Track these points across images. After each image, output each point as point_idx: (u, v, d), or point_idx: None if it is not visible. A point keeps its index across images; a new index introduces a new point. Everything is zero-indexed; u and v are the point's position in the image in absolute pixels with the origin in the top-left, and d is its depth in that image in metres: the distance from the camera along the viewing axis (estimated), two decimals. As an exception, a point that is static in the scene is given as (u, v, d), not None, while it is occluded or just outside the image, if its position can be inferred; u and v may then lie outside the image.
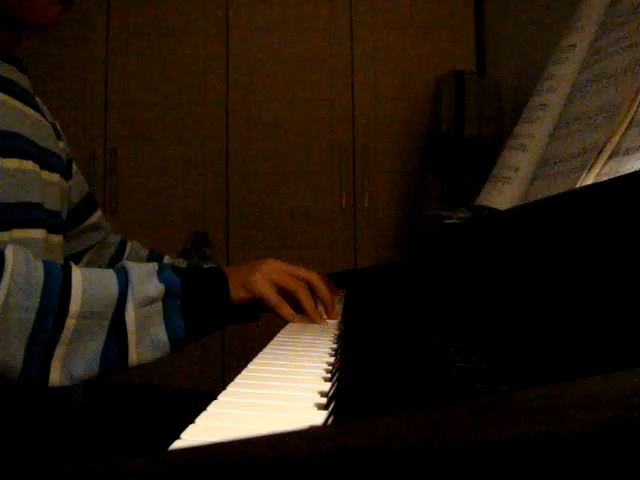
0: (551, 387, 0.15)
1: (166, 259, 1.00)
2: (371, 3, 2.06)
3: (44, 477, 0.12)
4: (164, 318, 0.62)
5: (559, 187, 0.65)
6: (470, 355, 0.48)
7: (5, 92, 0.70)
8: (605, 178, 0.56)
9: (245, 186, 2.04)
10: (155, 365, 0.63)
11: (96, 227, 0.96)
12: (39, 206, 0.72)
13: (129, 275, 0.62)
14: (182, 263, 0.98)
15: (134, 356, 0.61)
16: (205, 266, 0.99)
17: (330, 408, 0.32)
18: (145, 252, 1.00)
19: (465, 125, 1.59)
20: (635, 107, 0.57)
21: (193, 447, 0.13)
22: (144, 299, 0.61)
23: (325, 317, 0.73)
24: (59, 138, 0.86)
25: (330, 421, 0.30)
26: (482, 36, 2.05)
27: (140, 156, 2.05)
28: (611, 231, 0.39)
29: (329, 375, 0.41)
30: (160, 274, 0.63)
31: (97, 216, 0.96)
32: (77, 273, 0.59)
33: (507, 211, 0.78)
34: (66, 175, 0.85)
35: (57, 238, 0.78)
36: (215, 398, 0.33)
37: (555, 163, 0.70)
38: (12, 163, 0.67)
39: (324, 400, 0.34)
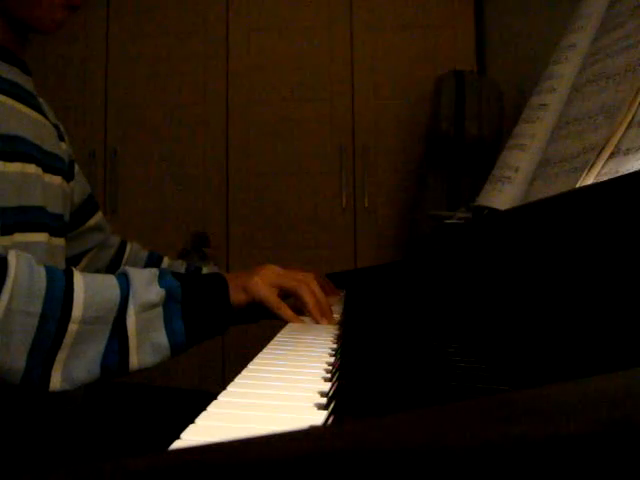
0: (551, 387, 0.15)
1: (165, 260, 1.00)
2: (371, 3, 2.06)
3: (44, 477, 0.12)
4: (165, 323, 0.63)
5: (559, 187, 0.65)
6: (470, 355, 0.48)
7: (9, 95, 0.70)
8: (605, 178, 0.56)
9: (245, 186, 2.04)
10: (155, 366, 0.64)
11: (97, 228, 0.96)
12: (42, 209, 0.72)
13: (130, 280, 0.62)
14: (182, 265, 0.98)
15: (135, 360, 0.61)
16: (205, 266, 0.99)
17: (330, 408, 0.32)
18: (145, 253, 1.00)
19: (465, 125, 1.59)
20: (635, 107, 0.57)
21: (193, 447, 0.13)
22: (145, 304, 0.61)
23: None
24: (62, 139, 0.86)
25: (330, 421, 0.30)
26: (482, 36, 2.05)
27: (140, 156, 2.05)
28: (611, 231, 0.39)
29: (329, 375, 0.41)
30: (161, 279, 0.64)
31: (98, 217, 0.96)
32: (79, 278, 0.60)
33: (507, 211, 0.78)
34: (68, 177, 0.85)
35: (59, 241, 0.78)
36: (215, 398, 0.33)
37: (555, 163, 0.70)
38: (15, 167, 0.68)
39: (324, 400, 0.34)
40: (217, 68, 2.07)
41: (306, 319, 0.72)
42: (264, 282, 0.69)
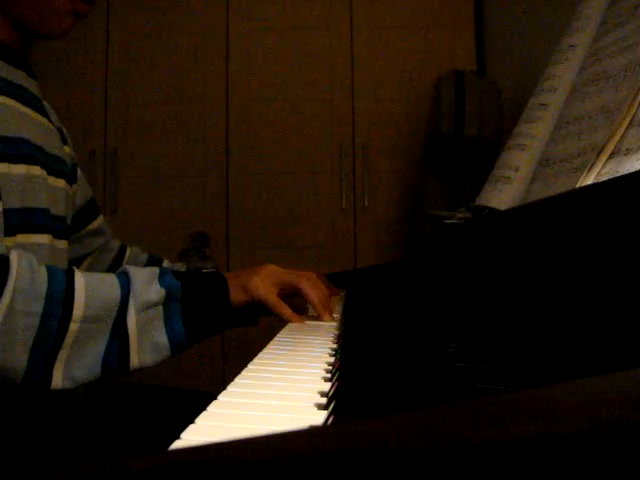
0: (551, 387, 0.15)
1: (165, 263, 1.00)
2: (371, 3, 2.06)
3: (44, 477, 0.12)
4: (165, 322, 0.63)
5: (559, 187, 0.65)
6: (470, 355, 0.48)
7: (14, 98, 0.71)
8: (605, 178, 0.56)
9: (245, 186, 2.04)
10: (155, 365, 0.64)
11: (98, 232, 0.96)
12: (45, 211, 0.73)
13: (131, 280, 0.63)
14: (181, 267, 0.98)
15: (135, 359, 0.62)
16: (205, 267, 0.99)
17: (330, 408, 0.32)
18: (144, 256, 1.01)
19: (465, 125, 1.59)
20: (635, 107, 0.57)
21: (193, 447, 0.13)
22: (145, 303, 0.62)
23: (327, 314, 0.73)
24: (65, 143, 0.87)
25: (330, 421, 0.30)
26: (482, 36, 2.05)
27: (140, 156, 2.05)
28: (611, 231, 0.39)
29: (329, 375, 0.41)
30: (161, 278, 0.64)
31: (99, 221, 0.97)
32: (80, 278, 0.60)
33: (507, 211, 0.78)
34: (71, 180, 0.86)
35: (62, 244, 0.79)
36: (215, 398, 0.33)
37: (555, 163, 0.70)
38: (20, 169, 0.68)
39: (324, 400, 0.34)
40: (217, 68, 2.07)
41: (307, 318, 0.72)
42: (264, 282, 0.69)
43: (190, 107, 2.06)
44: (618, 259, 0.37)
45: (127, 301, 0.61)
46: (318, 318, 0.71)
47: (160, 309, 0.63)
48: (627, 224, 0.37)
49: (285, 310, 0.70)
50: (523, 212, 0.66)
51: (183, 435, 0.26)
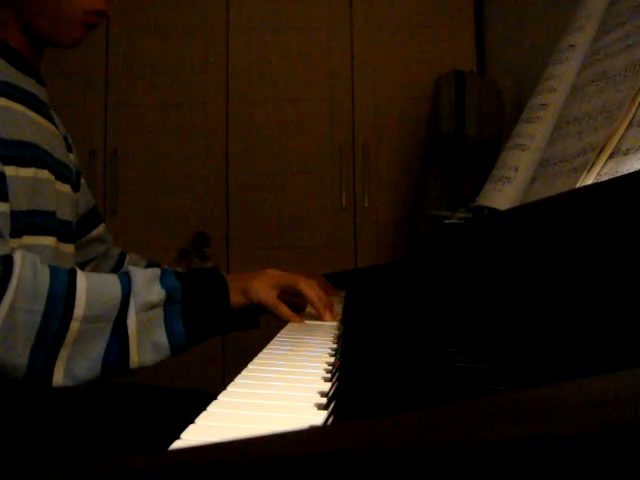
0: (551, 387, 0.15)
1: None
2: (371, 3, 2.06)
3: (44, 477, 0.12)
4: (165, 323, 0.64)
5: (559, 187, 0.65)
6: (470, 355, 0.48)
7: (24, 104, 0.72)
8: (605, 178, 0.56)
9: (245, 186, 2.04)
10: (155, 365, 0.65)
11: (100, 239, 0.98)
12: (52, 214, 0.74)
13: (132, 280, 0.64)
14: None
15: (135, 359, 0.62)
16: (205, 267, 1.00)
17: (330, 408, 0.32)
18: (143, 262, 1.02)
19: (465, 125, 1.59)
20: (635, 107, 0.57)
21: (193, 447, 0.13)
22: (146, 304, 0.63)
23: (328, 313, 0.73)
24: (70, 151, 0.88)
25: (330, 421, 0.30)
26: (482, 36, 2.05)
27: (140, 156, 2.05)
28: (611, 231, 0.39)
29: (329, 375, 0.41)
30: (162, 279, 0.65)
31: (101, 229, 0.98)
32: (82, 278, 0.61)
33: (507, 211, 0.78)
34: (75, 187, 0.87)
35: (68, 248, 0.80)
36: (215, 398, 0.33)
37: (555, 163, 0.70)
38: (28, 172, 0.69)
39: (324, 400, 0.34)
40: (217, 68, 2.07)
41: (306, 318, 0.72)
42: (263, 285, 0.70)
43: (190, 107, 2.06)
44: (618, 259, 0.37)
45: (128, 301, 0.62)
46: (318, 318, 0.72)
47: (160, 310, 0.64)
48: (627, 224, 0.37)
49: (284, 310, 0.70)
50: (523, 212, 0.66)
51: (183, 435, 0.26)
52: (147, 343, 0.63)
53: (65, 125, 0.91)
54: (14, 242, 0.66)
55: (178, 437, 0.26)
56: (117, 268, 1.00)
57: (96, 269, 0.98)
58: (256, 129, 2.05)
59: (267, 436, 0.13)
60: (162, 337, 0.63)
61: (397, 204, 2.01)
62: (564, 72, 0.81)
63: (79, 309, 0.59)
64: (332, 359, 0.47)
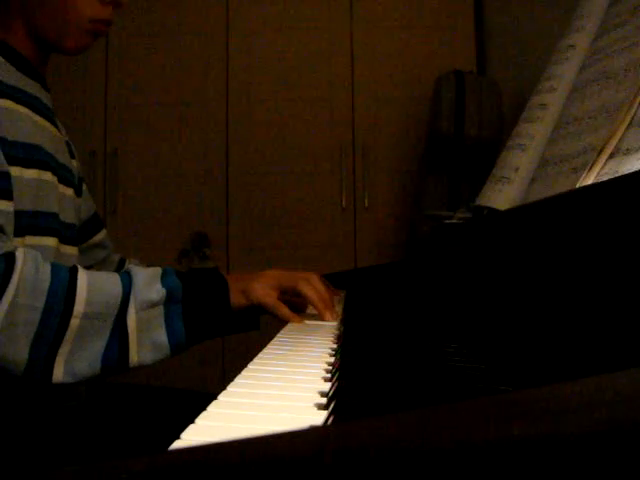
0: (551, 387, 0.15)
1: None
2: (371, 3, 2.06)
3: (44, 477, 0.12)
4: (165, 322, 0.64)
5: (559, 187, 0.65)
6: (470, 355, 0.48)
7: (29, 107, 0.73)
8: (605, 178, 0.56)
9: (245, 186, 2.04)
10: (155, 365, 0.65)
11: (100, 245, 0.98)
12: (54, 216, 0.74)
13: (133, 279, 0.64)
14: None
15: (135, 357, 0.63)
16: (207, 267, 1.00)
17: (330, 408, 0.32)
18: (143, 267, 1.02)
19: (465, 125, 1.59)
20: (635, 107, 0.57)
21: (193, 447, 0.13)
22: (146, 303, 0.63)
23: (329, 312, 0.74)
24: (72, 157, 0.89)
25: (330, 421, 0.30)
26: (482, 36, 2.05)
27: (140, 156, 2.05)
28: (611, 231, 0.39)
29: (329, 375, 0.41)
30: (163, 278, 0.65)
31: (102, 235, 0.99)
32: (83, 275, 0.62)
33: (507, 211, 0.78)
34: (78, 192, 0.88)
35: (70, 249, 0.80)
36: (215, 398, 0.33)
37: (555, 163, 0.70)
38: (32, 173, 0.70)
39: (324, 400, 0.34)
40: (217, 68, 2.07)
41: (307, 318, 0.72)
42: (262, 286, 0.71)
43: (190, 107, 2.06)
44: (618, 259, 0.37)
45: (128, 299, 0.62)
46: (319, 317, 0.72)
47: (161, 309, 0.64)
48: (627, 224, 0.37)
49: (284, 311, 0.71)
50: (523, 212, 0.66)
51: (183, 435, 0.26)
52: (147, 342, 0.63)
53: (65, 127, 0.91)
54: (17, 242, 0.67)
55: (178, 437, 0.26)
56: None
57: None
58: (256, 129, 2.05)
59: (267, 436, 0.13)
60: (162, 336, 0.63)
61: (397, 204, 2.01)
62: (564, 72, 0.81)
63: (79, 306, 0.59)
64: (332, 359, 0.47)
